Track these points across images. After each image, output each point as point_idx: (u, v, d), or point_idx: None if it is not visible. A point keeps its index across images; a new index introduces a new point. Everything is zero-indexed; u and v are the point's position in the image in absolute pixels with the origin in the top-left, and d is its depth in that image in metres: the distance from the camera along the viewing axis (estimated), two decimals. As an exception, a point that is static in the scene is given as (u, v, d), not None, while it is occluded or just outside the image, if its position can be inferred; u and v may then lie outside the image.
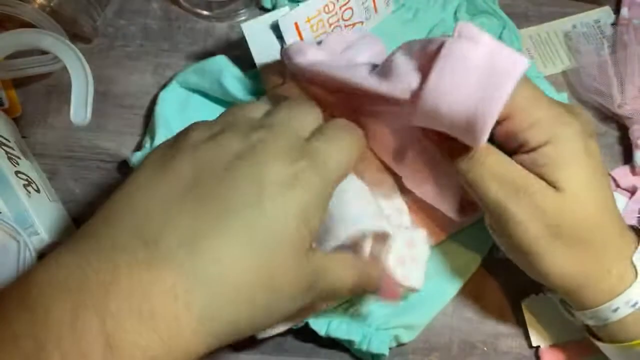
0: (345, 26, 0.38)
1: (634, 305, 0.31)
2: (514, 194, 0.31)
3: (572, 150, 0.31)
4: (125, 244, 0.24)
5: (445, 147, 0.32)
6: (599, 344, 0.34)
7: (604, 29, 0.47)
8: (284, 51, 0.35)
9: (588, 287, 0.32)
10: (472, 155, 0.31)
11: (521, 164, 0.31)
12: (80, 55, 0.36)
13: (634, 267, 0.31)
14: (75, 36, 0.46)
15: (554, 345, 0.39)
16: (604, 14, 0.48)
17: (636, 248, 0.32)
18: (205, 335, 0.23)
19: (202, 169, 0.26)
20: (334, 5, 0.36)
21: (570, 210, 0.31)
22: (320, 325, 0.37)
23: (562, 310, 0.36)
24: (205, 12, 0.47)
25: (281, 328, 0.35)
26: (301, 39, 0.36)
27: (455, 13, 0.44)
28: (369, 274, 0.31)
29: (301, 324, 0.37)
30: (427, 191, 0.36)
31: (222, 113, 0.30)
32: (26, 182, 0.38)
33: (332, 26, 0.37)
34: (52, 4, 0.43)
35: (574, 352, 0.39)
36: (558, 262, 0.31)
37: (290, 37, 0.36)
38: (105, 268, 0.23)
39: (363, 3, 0.37)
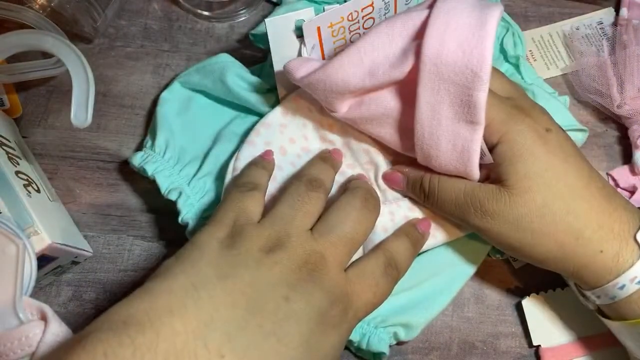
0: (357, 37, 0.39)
1: (639, 283, 0.31)
2: (469, 211, 0.34)
3: (523, 145, 0.32)
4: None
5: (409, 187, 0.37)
6: (609, 323, 0.34)
7: (607, 31, 0.47)
8: (285, 67, 0.36)
9: (584, 267, 0.33)
10: (428, 192, 0.36)
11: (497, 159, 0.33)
12: (82, 57, 0.36)
13: (638, 244, 0.32)
14: (76, 36, 0.46)
15: (554, 345, 0.39)
16: (607, 15, 0.48)
17: None
18: None
19: (259, 288, 0.29)
20: (358, 14, 0.36)
21: (524, 202, 0.32)
22: None
23: (577, 293, 0.36)
24: (205, 13, 0.48)
25: None
26: (320, 42, 0.37)
27: None
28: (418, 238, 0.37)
29: None
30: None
31: (277, 209, 0.33)
32: (26, 182, 0.38)
33: (352, 33, 0.37)
34: (52, 4, 0.43)
35: (574, 352, 0.39)
36: (541, 251, 0.33)
37: (310, 40, 0.36)
38: None
39: (385, 14, 0.38)
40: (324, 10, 0.35)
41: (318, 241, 0.32)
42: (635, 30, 0.44)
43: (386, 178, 0.38)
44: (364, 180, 0.38)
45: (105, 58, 0.46)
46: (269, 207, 0.34)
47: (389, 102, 0.34)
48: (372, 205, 0.35)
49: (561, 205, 0.32)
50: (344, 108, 0.36)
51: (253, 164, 0.37)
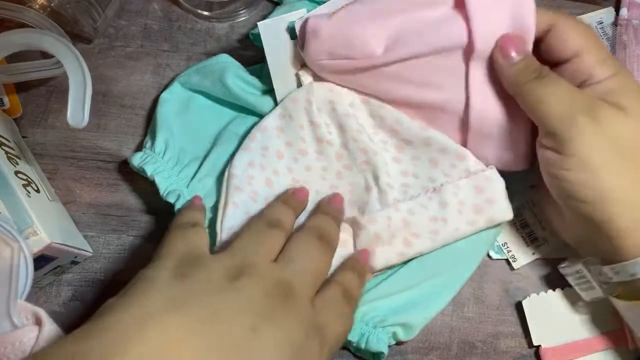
0: None
1: None
2: (585, 112, 0.32)
3: (633, 83, 0.34)
4: None
5: (511, 73, 0.34)
6: (619, 304, 0.34)
7: (607, 30, 0.47)
8: (299, 36, 0.35)
9: (623, 234, 0.32)
10: (543, 75, 0.34)
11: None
12: (80, 56, 0.36)
13: None
14: (76, 36, 0.46)
15: (555, 345, 0.39)
16: (607, 15, 0.48)
17: None
18: None
19: (225, 317, 0.27)
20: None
21: (636, 131, 0.32)
22: None
23: (585, 272, 0.36)
24: (205, 13, 0.48)
25: None
26: None
27: None
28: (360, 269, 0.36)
29: None
30: (492, 149, 0.37)
31: (240, 240, 0.33)
32: (26, 182, 0.38)
33: None
34: (52, 5, 0.43)
35: (575, 352, 0.39)
36: (618, 182, 0.32)
37: None
38: None
39: None
40: None
41: (284, 271, 0.31)
42: (635, 30, 0.44)
43: (505, 40, 0.34)
44: (330, 210, 0.37)
45: (105, 58, 0.46)
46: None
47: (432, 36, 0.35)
48: (327, 243, 0.34)
49: None
50: (379, 48, 0.35)
51: (190, 207, 0.37)
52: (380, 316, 0.37)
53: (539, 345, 0.39)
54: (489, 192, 0.37)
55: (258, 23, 0.36)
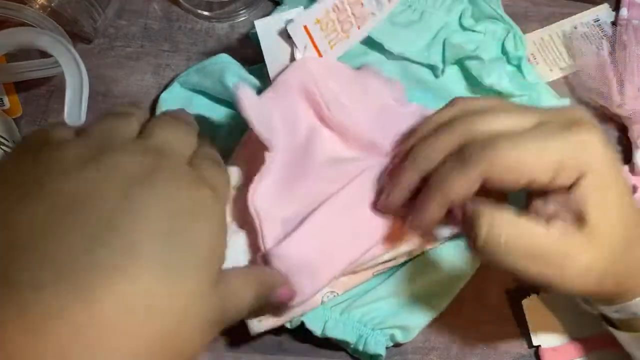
0: (357, 25, 0.38)
1: None
2: (546, 264, 0.29)
3: (610, 170, 0.29)
4: None
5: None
6: (618, 334, 0.34)
7: (604, 27, 0.47)
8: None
9: (617, 286, 0.31)
10: (485, 237, 0.29)
11: (555, 201, 0.30)
12: (76, 54, 0.36)
13: None
14: (76, 36, 0.46)
15: (555, 345, 0.39)
16: (603, 12, 0.48)
17: None
18: None
19: (89, 192, 0.23)
20: (343, 3, 0.36)
21: (607, 241, 0.29)
22: (316, 325, 0.37)
23: (580, 302, 0.35)
24: (205, 13, 0.48)
25: (271, 323, 0.35)
26: (312, 40, 0.36)
27: (460, 17, 0.43)
28: (267, 280, 0.30)
29: (297, 323, 0.37)
30: None
31: (93, 125, 0.27)
32: (26, 182, 0.38)
33: (343, 23, 0.37)
34: (52, 5, 0.43)
35: (574, 352, 0.39)
36: (599, 289, 0.30)
37: (300, 41, 0.36)
38: None
39: None
40: None
41: (149, 139, 0.26)
42: (635, 30, 0.44)
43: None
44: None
45: (105, 58, 0.46)
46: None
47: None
48: (186, 123, 0.29)
49: (625, 238, 0.30)
50: None
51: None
52: (379, 318, 0.37)
53: (539, 346, 0.39)
54: None
55: (255, 22, 0.36)
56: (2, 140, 0.40)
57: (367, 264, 0.36)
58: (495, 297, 0.41)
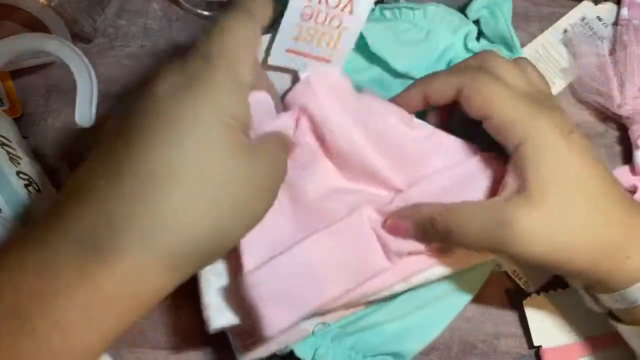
0: (348, 9, 0.33)
1: None
2: (502, 238, 0.30)
3: (546, 145, 0.31)
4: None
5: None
6: (620, 327, 0.34)
7: (593, 25, 0.47)
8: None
9: (609, 274, 0.31)
10: (442, 228, 0.32)
11: (513, 166, 0.31)
12: (84, 57, 0.37)
13: None
14: (76, 36, 0.46)
15: (556, 345, 0.39)
16: (585, 9, 0.47)
17: None
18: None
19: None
20: (311, 8, 0.32)
21: (551, 210, 0.30)
22: (306, 352, 0.37)
23: (586, 297, 0.35)
24: (205, 13, 0.47)
25: (262, 352, 0.35)
26: (306, 55, 0.34)
27: (465, 38, 0.42)
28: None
29: (286, 351, 0.36)
30: None
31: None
32: (27, 182, 0.38)
33: (323, 22, 0.33)
34: (52, 4, 0.43)
35: (576, 352, 0.39)
36: (571, 266, 0.31)
37: (294, 63, 0.34)
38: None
39: None
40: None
41: None
42: (635, 30, 0.44)
43: (389, 229, 0.33)
44: None
45: (105, 58, 0.46)
46: None
47: None
48: None
49: (589, 212, 0.31)
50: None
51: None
52: (371, 346, 0.37)
53: (540, 346, 0.39)
54: None
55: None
56: (4, 141, 0.40)
57: (361, 300, 0.35)
58: (496, 297, 0.41)
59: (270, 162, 0.29)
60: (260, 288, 0.31)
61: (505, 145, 0.32)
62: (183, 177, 0.25)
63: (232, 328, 0.34)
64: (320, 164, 0.34)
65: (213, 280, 0.33)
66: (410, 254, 0.34)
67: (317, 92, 0.33)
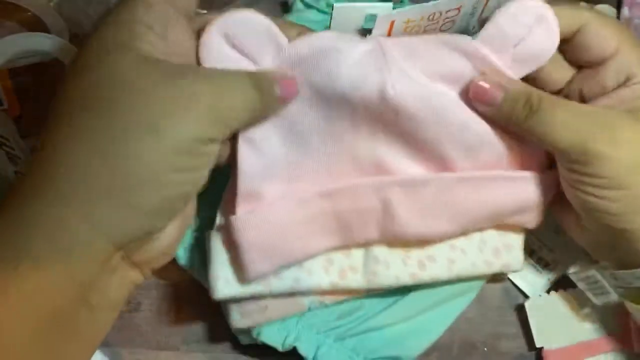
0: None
1: None
2: (599, 134, 0.30)
3: None
4: None
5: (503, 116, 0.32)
6: (635, 308, 0.34)
7: None
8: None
9: None
10: (535, 108, 0.31)
11: (622, 97, 0.32)
12: None
13: None
14: (75, 36, 0.46)
15: (557, 347, 0.39)
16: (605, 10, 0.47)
17: None
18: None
19: None
20: (441, 15, 0.34)
21: None
22: (308, 350, 0.37)
23: (599, 277, 0.35)
24: (205, 12, 0.47)
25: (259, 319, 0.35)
26: (389, 35, 0.34)
27: None
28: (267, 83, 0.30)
29: (289, 348, 0.37)
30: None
31: None
32: (26, 182, 0.38)
33: (427, 33, 0.35)
34: (52, 4, 0.43)
35: (578, 354, 0.39)
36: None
37: (379, 31, 0.33)
38: None
39: (470, 19, 0.35)
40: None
41: None
42: (636, 29, 0.44)
43: (475, 91, 0.32)
44: None
45: (105, 58, 0.46)
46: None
47: None
48: None
49: None
50: None
51: None
52: (372, 348, 0.37)
53: (541, 347, 0.39)
54: (509, 237, 0.37)
55: (334, 5, 0.34)
56: (3, 141, 0.40)
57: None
58: (497, 298, 0.41)
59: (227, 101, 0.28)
60: (245, 232, 0.32)
61: (629, 78, 0.32)
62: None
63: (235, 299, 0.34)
64: (344, 115, 0.32)
65: (223, 250, 0.33)
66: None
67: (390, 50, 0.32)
